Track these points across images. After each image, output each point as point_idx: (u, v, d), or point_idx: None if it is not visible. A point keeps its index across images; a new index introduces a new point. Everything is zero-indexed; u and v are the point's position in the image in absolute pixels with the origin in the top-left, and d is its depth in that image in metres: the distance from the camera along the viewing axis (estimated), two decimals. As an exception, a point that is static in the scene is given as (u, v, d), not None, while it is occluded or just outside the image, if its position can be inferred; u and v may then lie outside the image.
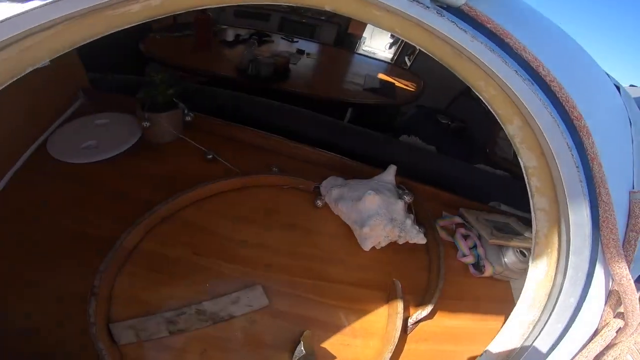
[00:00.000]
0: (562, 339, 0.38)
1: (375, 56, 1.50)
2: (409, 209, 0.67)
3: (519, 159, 0.37)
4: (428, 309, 0.57)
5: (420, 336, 0.57)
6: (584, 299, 0.38)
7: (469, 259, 0.69)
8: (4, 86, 0.29)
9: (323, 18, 1.41)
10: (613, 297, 0.39)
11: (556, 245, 0.38)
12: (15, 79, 0.31)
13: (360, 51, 1.52)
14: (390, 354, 0.51)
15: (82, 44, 0.33)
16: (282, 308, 0.54)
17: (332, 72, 1.32)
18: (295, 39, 1.38)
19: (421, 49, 0.35)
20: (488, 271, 0.66)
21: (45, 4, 0.27)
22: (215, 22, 1.26)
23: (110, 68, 0.76)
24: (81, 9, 0.30)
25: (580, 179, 0.33)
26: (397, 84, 1.30)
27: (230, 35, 1.27)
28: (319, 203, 0.68)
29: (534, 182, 0.37)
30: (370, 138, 0.85)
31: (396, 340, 0.52)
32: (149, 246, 0.55)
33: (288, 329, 0.52)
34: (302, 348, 0.48)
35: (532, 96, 0.31)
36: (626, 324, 0.36)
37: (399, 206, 0.59)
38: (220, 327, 0.50)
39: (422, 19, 0.31)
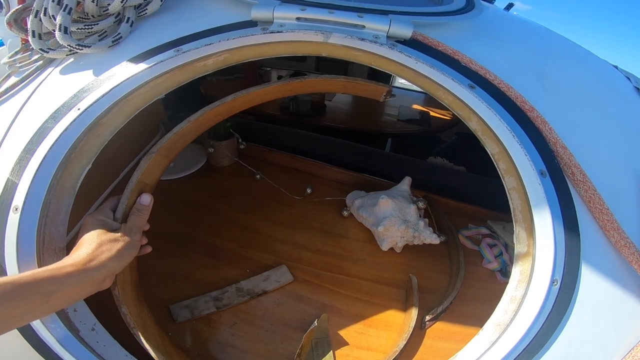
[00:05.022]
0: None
1: (411, 88, 1.72)
2: (426, 215, 0.80)
3: (486, 148, 0.52)
4: (444, 305, 0.68)
5: (437, 334, 0.66)
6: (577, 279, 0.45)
7: (494, 265, 0.77)
8: (145, 106, 0.56)
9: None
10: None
11: (529, 219, 0.49)
12: (148, 104, 0.57)
13: (396, 84, 1.76)
14: (404, 342, 0.61)
15: (183, 83, 0.60)
16: (304, 294, 0.69)
17: (365, 106, 1.56)
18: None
19: (392, 74, 0.54)
20: (515, 276, 0.73)
21: (167, 59, 0.54)
22: (260, 65, 1.63)
23: (180, 106, 1.09)
24: (182, 63, 0.57)
25: (525, 153, 0.46)
26: (432, 113, 1.48)
27: (273, 77, 1.61)
28: (345, 213, 0.85)
29: (501, 165, 0.50)
30: (396, 160, 1.02)
31: (411, 330, 0.63)
32: (208, 239, 0.77)
33: (307, 312, 0.66)
34: (316, 323, 0.60)
35: (473, 98, 0.48)
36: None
37: (412, 209, 0.73)
38: (251, 304, 0.66)
39: (382, 53, 0.52)
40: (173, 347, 0.57)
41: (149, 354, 0.48)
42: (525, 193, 0.47)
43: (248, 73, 1.51)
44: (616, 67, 0.72)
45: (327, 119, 1.40)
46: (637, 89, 0.66)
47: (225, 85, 1.55)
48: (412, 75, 0.55)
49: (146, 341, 0.47)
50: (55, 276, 0.38)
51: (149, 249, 0.53)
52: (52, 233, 0.47)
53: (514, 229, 0.51)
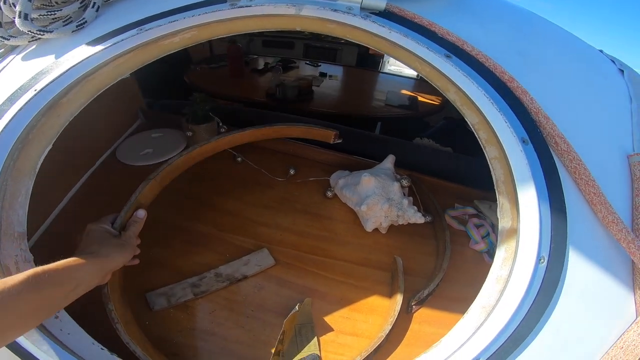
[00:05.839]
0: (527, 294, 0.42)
1: (401, 74, 1.68)
2: (411, 194, 0.78)
3: (465, 119, 0.49)
4: (431, 288, 0.65)
5: (423, 318, 0.63)
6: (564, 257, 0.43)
7: (481, 246, 0.75)
8: (106, 88, 0.53)
9: (343, 42, 1.66)
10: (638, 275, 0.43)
11: (512, 190, 0.46)
12: (111, 84, 0.54)
13: (385, 70, 1.73)
14: (390, 327, 0.59)
15: (149, 62, 0.56)
16: (287, 278, 0.67)
17: (353, 91, 1.53)
18: (318, 63, 1.64)
19: (367, 46, 0.51)
20: (501, 257, 0.71)
21: (128, 38, 0.51)
22: (246, 52, 1.59)
23: (159, 94, 1.06)
24: (146, 41, 0.54)
25: (505, 120, 0.43)
26: (420, 98, 1.45)
27: (260, 64, 1.57)
28: (329, 194, 0.83)
29: (482, 135, 0.48)
30: (381, 141, 0.99)
31: (397, 314, 0.60)
32: (184, 223, 0.74)
33: (290, 297, 0.64)
34: (297, 307, 0.57)
35: (449, 67, 0.45)
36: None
37: (395, 187, 0.70)
38: (231, 290, 0.64)
39: (355, 24, 0.50)
40: (154, 349, 0.54)
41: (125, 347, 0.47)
42: (507, 161, 0.44)
43: (233, 60, 1.46)
44: (601, 51, 0.70)
45: (314, 104, 1.38)
46: (621, 70, 0.64)
47: (210, 74, 1.51)
48: (387, 46, 0.52)
49: (128, 335, 0.48)
50: (83, 264, 0.43)
51: (136, 261, 0.57)
52: (9, 217, 0.44)
53: (497, 202, 0.49)
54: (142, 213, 0.60)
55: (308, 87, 1.41)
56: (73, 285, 0.41)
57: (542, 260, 0.43)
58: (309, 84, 1.42)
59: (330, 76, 1.57)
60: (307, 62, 1.67)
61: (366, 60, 1.68)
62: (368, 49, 1.77)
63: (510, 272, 0.44)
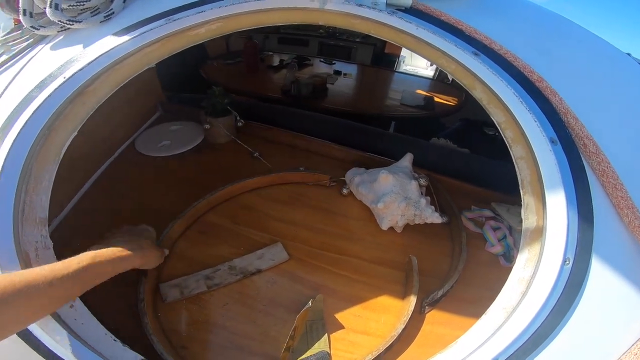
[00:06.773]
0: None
1: (417, 73, 1.67)
2: (428, 194, 0.76)
3: (491, 117, 0.48)
4: (445, 288, 0.64)
5: (436, 319, 0.62)
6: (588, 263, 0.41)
7: (497, 249, 0.73)
8: (132, 77, 0.53)
9: (358, 40, 1.65)
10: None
11: (539, 190, 0.45)
12: (138, 73, 0.54)
13: (400, 70, 1.71)
14: (402, 326, 0.58)
15: (175, 52, 0.57)
16: (300, 274, 0.66)
17: (368, 90, 1.52)
18: (333, 61, 1.64)
19: (392, 42, 0.51)
20: (518, 260, 0.70)
21: (156, 27, 0.51)
22: (262, 49, 1.59)
23: (178, 87, 1.07)
24: (174, 31, 0.54)
25: (535, 119, 0.42)
26: (436, 98, 1.43)
27: (275, 61, 1.58)
28: (345, 192, 0.82)
29: (509, 134, 0.46)
30: (398, 140, 0.98)
31: (410, 314, 0.60)
32: (202, 216, 0.75)
33: (302, 293, 0.63)
34: (310, 303, 0.57)
35: (478, 64, 0.44)
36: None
37: (413, 186, 0.69)
38: (244, 283, 0.63)
39: (381, 20, 0.49)
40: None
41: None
42: (535, 161, 0.43)
43: (249, 56, 1.47)
44: (629, 54, 0.68)
45: (329, 102, 1.37)
46: None
47: (226, 70, 1.52)
48: (412, 43, 0.51)
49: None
50: (130, 257, 0.49)
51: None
52: (33, 202, 0.45)
53: (522, 201, 0.48)
54: (165, 252, 0.64)
55: (322, 84, 1.41)
56: (114, 273, 0.45)
57: (567, 262, 0.42)
58: (324, 81, 1.42)
59: (344, 74, 1.57)
60: (322, 59, 1.67)
61: (381, 59, 1.67)
62: (383, 47, 1.78)
63: (534, 273, 0.43)
